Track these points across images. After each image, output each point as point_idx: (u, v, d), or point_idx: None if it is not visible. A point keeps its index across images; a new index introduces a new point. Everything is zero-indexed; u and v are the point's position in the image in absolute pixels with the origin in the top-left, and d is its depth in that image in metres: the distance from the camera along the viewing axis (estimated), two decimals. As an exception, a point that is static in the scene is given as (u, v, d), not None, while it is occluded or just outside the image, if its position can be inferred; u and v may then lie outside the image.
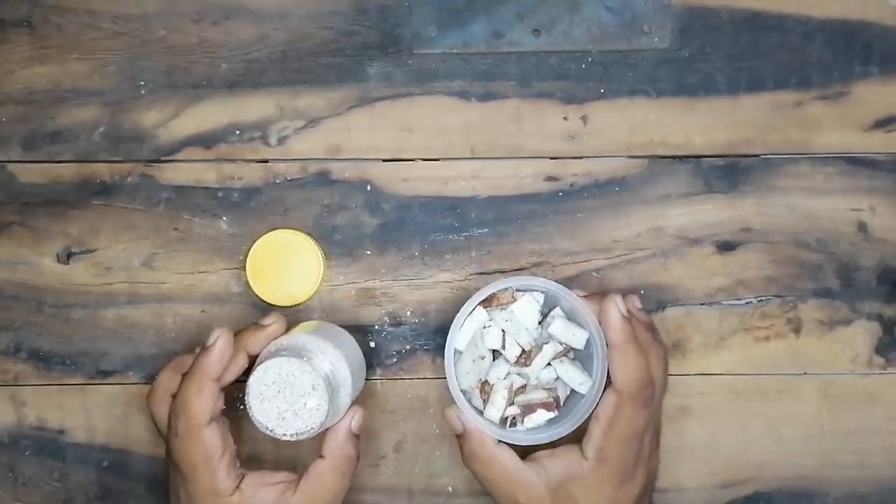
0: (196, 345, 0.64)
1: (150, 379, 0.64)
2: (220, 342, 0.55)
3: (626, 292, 0.64)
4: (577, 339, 0.58)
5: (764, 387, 0.65)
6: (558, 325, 0.58)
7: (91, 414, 0.65)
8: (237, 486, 0.55)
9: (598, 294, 0.58)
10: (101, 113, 0.64)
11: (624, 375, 0.55)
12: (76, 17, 0.64)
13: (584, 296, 0.58)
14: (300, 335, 0.57)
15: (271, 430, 0.54)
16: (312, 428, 0.54)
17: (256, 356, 0.58)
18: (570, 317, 0.59)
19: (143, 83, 0.64)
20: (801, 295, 0.65)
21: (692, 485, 0.65)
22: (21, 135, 0.64)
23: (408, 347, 0.65)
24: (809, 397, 0.65)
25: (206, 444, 0.54)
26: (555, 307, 0.60)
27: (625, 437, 0.55)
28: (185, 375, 0.56)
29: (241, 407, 0.63)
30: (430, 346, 0.65)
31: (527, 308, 0.58)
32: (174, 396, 0.57)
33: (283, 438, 0.54)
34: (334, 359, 0.56)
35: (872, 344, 0.65)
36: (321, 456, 0.56)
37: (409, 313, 0.65)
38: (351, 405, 0.58)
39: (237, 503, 0.55)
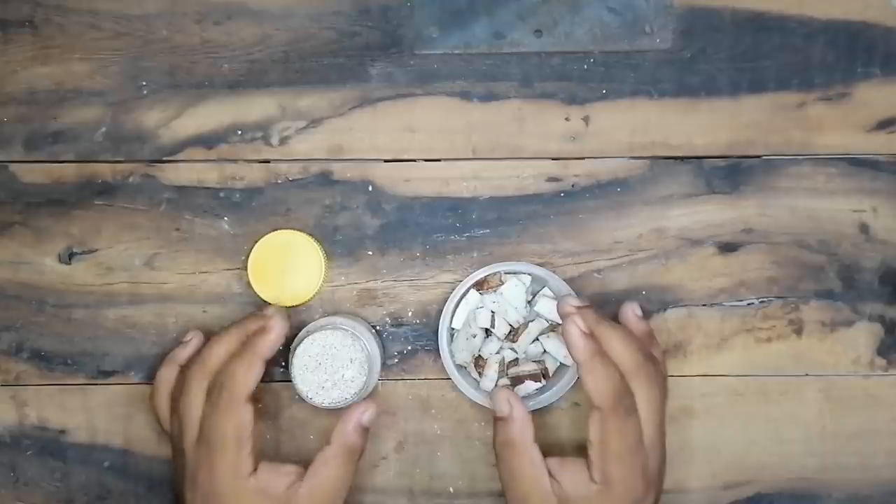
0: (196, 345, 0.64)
1: (152, 379, 0.64)
2: (278, 327, 0.57)
3: (627, 293, 0.64)
4: None
5: (766, 388, 0.65)
6: (544, 304, 0.62)
7: (92, 414, 0.65)
8: (254, 470, 0.56)
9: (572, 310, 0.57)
10: (102, 113, 0.64)
11: (596, 390, 0.55)
12: (78, 17, 0.64)
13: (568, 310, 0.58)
14: (335, 317, 0.62)
15: (311, 399, 0.58)
16: (347, 398, 0.58)
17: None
18: (558, 296, 0.62)
19: (144, 83, 0.64)
20: (803, 296, 0.65)
21: (694, 486, 0.65)
22: (23, 135, 0.64)
23: (409, 348, 0.65)
24: (811, 399, 0.65)
25: (242, 419, 0.55)
26: (543, 288, 0.63)
27: (621, 453, 0.55)
28: (235, 353, 0.57)
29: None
30: (432, 347, 0.65)
31: (514, 289, 0.63)
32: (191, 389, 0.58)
33: (322, 406, 0.59)
34: (368, 337, 0.60)
35: (874, 345, 0.65)
36: (328, 443, 0.57)
37: (410, 314, 0.65)
38: (371, 391, 0.62)
39: (253, 486, 0.56)
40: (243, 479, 0.55)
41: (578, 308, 0.57)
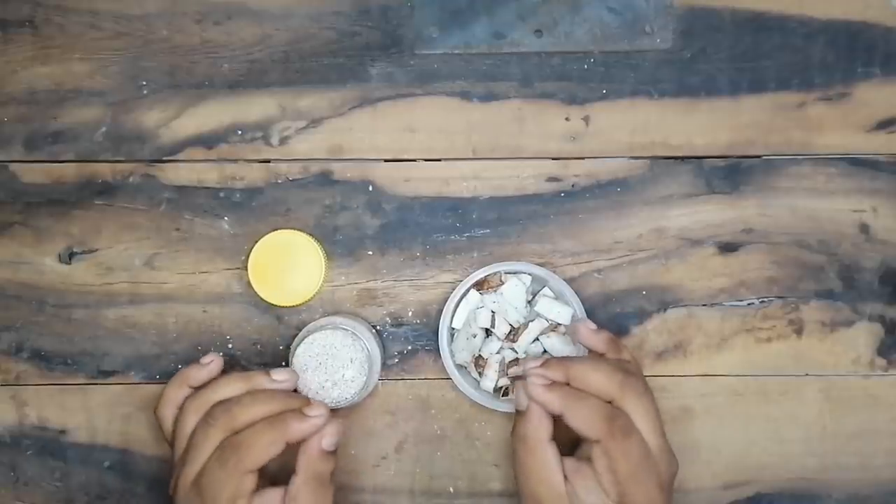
0: (196, 345, 0.64)
1: (152, 379, 0.64)
2: (319, 424, 0.55)
3: (627, 293, 0.64)
4: (562, 315, 0.62)
5: (766, 388, 0.65)
6: (544, 304, 0.62)
7: (92, 414, 0.65)
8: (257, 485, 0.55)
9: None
10: (103, 113, 0.64)
11: (585, 425, 0.54)
12: (78, 17, 0.64)
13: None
14: (336, 317, 0.62)
15: (311, 399, 0.58)
16: (347, 398, 0.59)
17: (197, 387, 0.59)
18: (558, 296, 0.62)
19: (144, 83, 0.64)
20: (803, 296, 0.65)
21: (693, 486, 0.65)
22: (23, 135, 0.64)
23: (409, 348, 0.65)
24: (811, 399, 0.65)
25: (242, 487, 0.54)
26: (543, 287, 0.63)
27: (633, 472, 0.54)
28: (265, 422, 0.55)
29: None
30: (432, 347, 0.65)
31: (514, 289, 0.63)
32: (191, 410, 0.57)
33: None
34: (368, 337, 0.60)
35: (874, 345, 0.65)
36: (295, 472, 0.55)
37: (410, 314, 0.65)
38: (371, 391, 0.62)
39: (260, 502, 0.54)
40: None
41: (535, 367, 0.56)
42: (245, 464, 0.53)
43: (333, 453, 0.56)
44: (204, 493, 0.54)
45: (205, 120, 0.64)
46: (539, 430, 0.55)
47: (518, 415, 0.57)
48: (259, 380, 0.57)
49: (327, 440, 0.55)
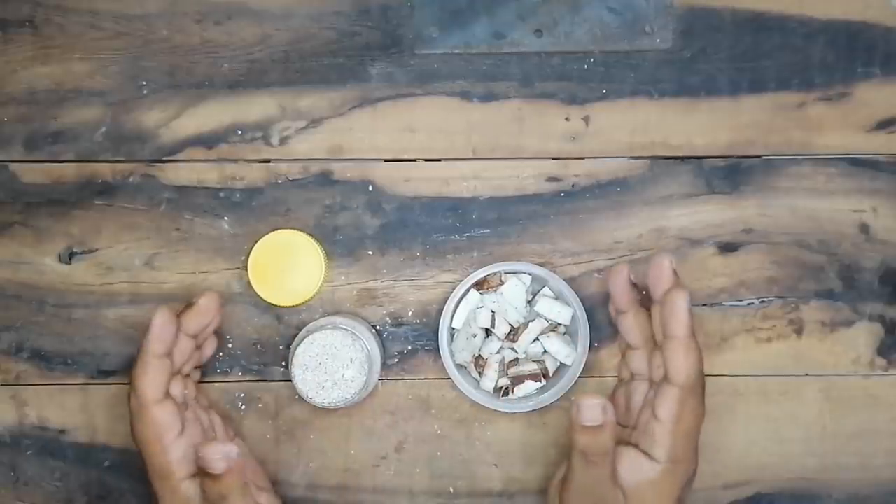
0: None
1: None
2: (157, 320, 0.56)
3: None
4: (563, 315, 0.62)
5: (766, 388, 0.65)
6: (544, 304, 0.62)
7: (92, 414, 0.65)
8: (193, 474, 0.55)
9: (665, 279, 0.55)
10: (103, 113, 0.64)
11: (686, 369, 0.53)
12: (78, 17, 0.64)
13: (635, 283, 0.58)
14: (335, 317, 0.62)
15: (311, 399, 0.59)
16: (347, 398, 0.59)
17: (196, 336, 0.60)
18: (558, 296, 0.62)
19: (145, 83, 0.64)
20: (803, 296, 0.65)
21: (694, 486, 0.65)
22: (23, 134, 0.64)
23: (409, 348, 0.65)
24: (811, 399, 0.65)
25: (157, 421, 0.55)
26: (543, 287, 0.63)
27: (690, 432, 0.54)
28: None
29: (242, 406, 0.63)
30: (432, 347, 0.65)
31: (514, 289, 0.63)
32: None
33: (322, 406, 0.59)
34: (368, 337, 0.60)
35: (874, 345, 0.65)
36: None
37: (410, 314, 0.65)
38: (371, 391, 0.61)
39: (185, 490, 0.55)
40: (174, 482, 0.55)
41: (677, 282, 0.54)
42: (141, 399, 0.55)
43: (230, 473, 0.52)
44: (138, 448, 0.57)
45: (205, 120, 0.64)
46: (612, 439, 0.53)
47: (591, 430, 0.52)
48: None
49: (210, 464, 0.51)
